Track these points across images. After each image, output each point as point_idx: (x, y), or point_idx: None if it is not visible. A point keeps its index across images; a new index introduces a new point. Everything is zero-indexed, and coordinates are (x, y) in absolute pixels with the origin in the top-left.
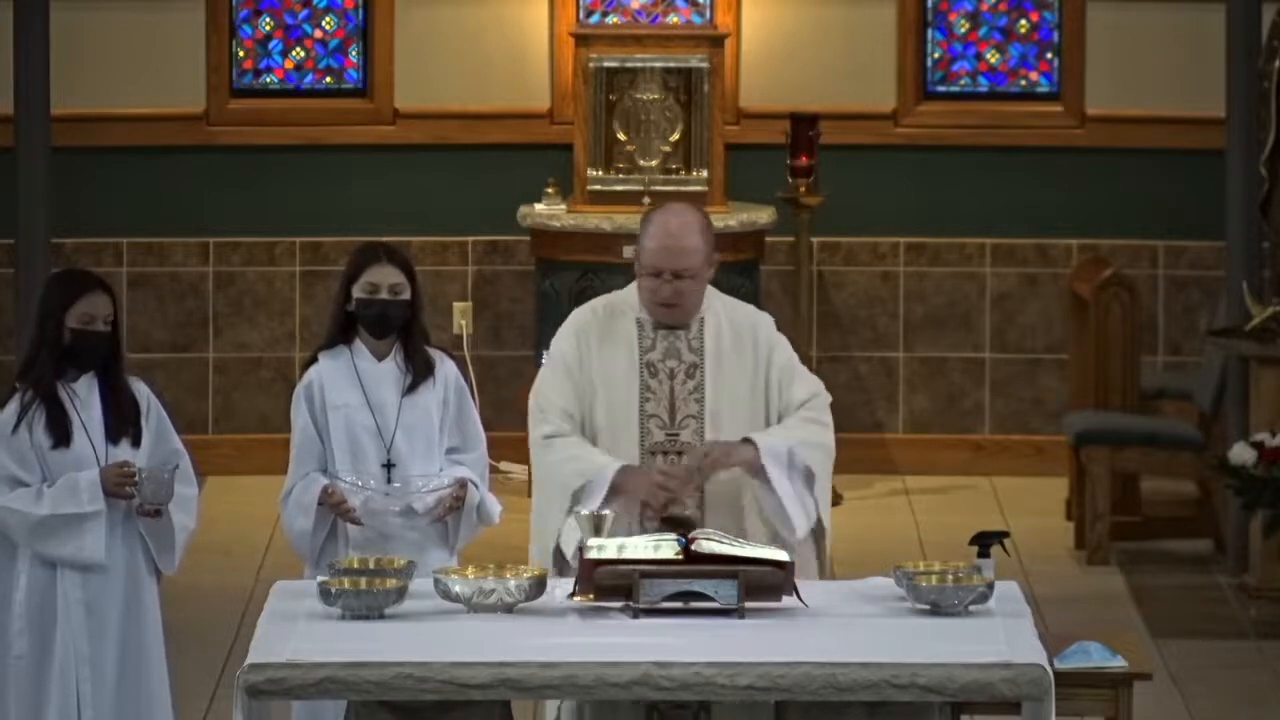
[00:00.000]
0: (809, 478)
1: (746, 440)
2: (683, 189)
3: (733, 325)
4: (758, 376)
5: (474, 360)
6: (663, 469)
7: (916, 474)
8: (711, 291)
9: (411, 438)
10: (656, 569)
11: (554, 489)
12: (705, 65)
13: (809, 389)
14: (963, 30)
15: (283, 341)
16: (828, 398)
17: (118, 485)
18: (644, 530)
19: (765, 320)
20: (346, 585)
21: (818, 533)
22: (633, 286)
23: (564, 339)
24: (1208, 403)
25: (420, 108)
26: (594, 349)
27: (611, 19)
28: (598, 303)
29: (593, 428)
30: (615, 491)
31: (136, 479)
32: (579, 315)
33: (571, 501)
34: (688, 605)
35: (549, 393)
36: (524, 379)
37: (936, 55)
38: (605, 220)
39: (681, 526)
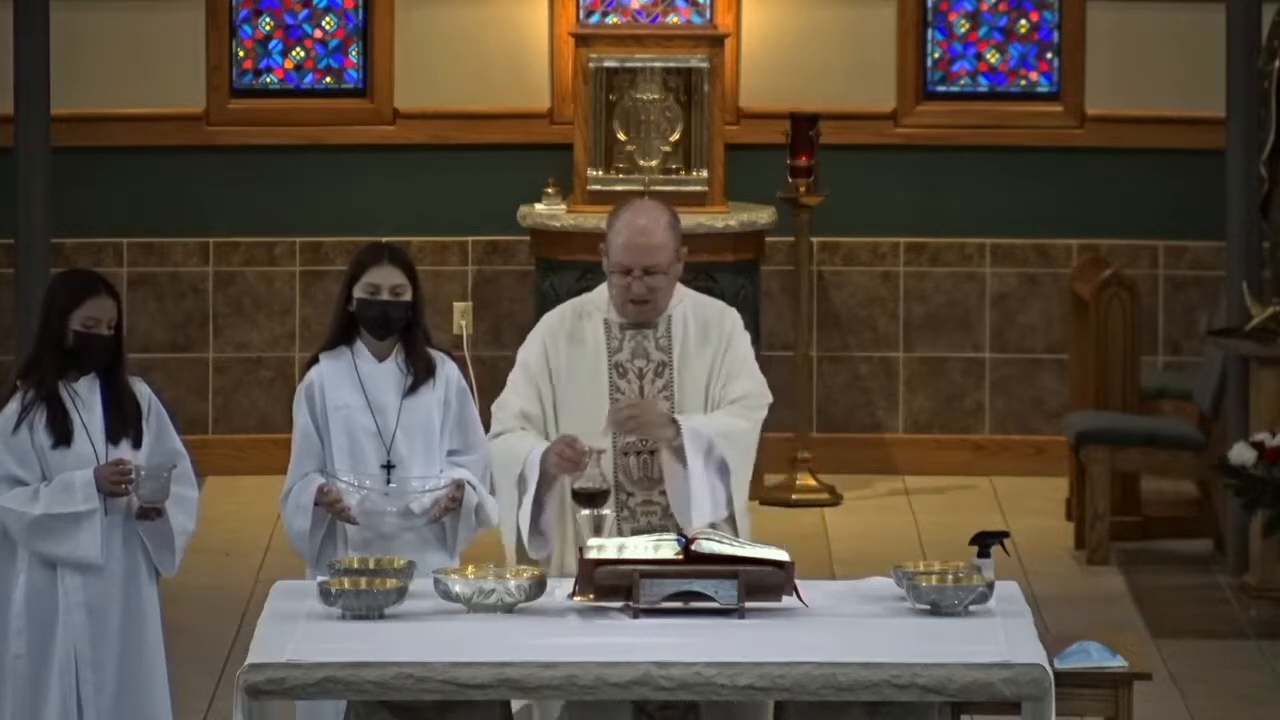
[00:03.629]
0: (723, 470)
1: (673, 420)
2: (683, 189)
3: (699, 321)
4: (714, 368)
5: (474, 360)
6: (561, 442)
7: (916, 474)
8: (679, 289)
9: (411, 439)
10: (656, 569)
11: (504, 481)
12: (705, 65)
13: (746, 387)
14: (963, 30)
15: (283, 341)
16: (765, 398)
17: (113, 483)
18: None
19: (731, 315)
20: (346, 585)
21: (733, 528)
22: (602, 287)
23: (531, 344)
24: (1208, 403)
25: (420, 108)
26: (562, 353)
27: (611, 19)
28: (566, 307)
29: (562, 429)
30: (543, 473)
31: (133, 477)
32: (547, 320)
33: (519, 488)
34: (688, 605)
35: (508, 395)
36: None
37: (936, 55)
38: (605, 220)
39: (593, 499)
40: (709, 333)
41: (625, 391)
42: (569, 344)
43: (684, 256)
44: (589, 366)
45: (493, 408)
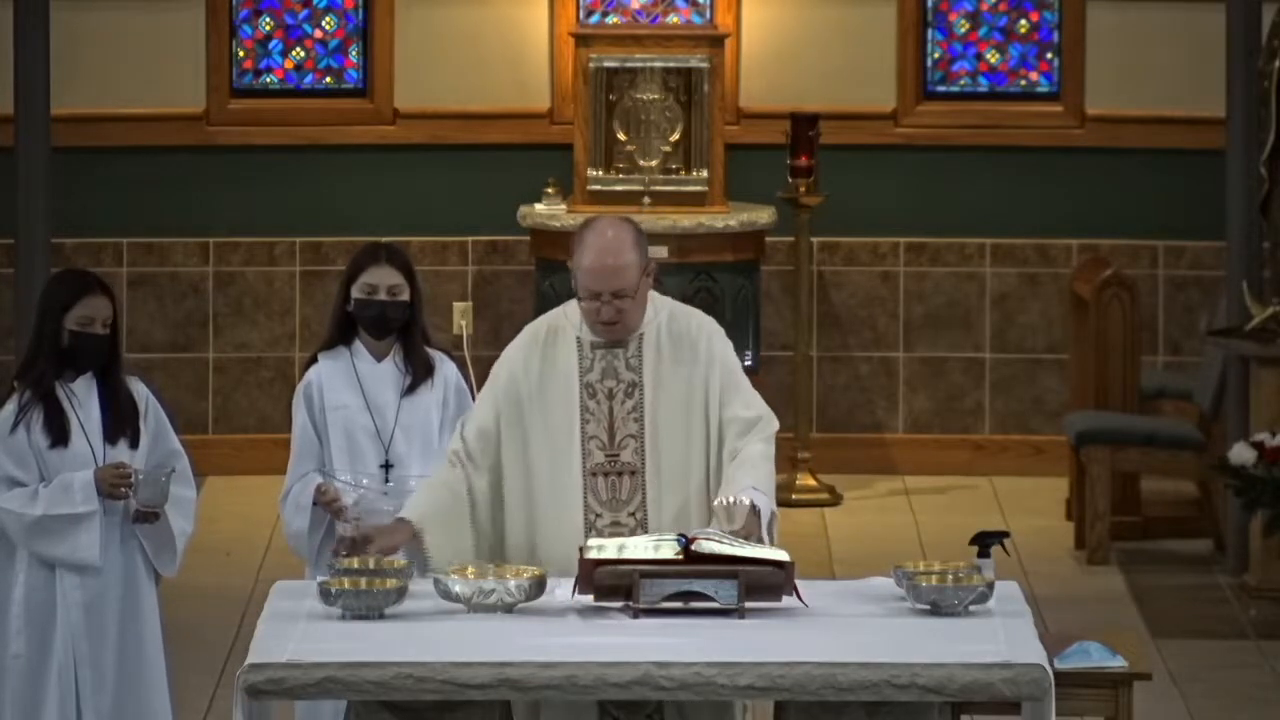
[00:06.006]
0: (773, 517)
1: (753, 506)
2: (683, 189)
3: (673, 336)
4: (694, 389)
5: (474, 360)
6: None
7: (916, 474)
8: (656, 300)
9: (410, 438)
10: (656, 569)
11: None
12: (705, 65)
13: (755, 409)
14: (963, 30)
15: (283, 341)
16: (774, 423)
17: (113, 486)
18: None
19: (709, 329)
20: (346, 585)
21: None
22: (575, 301)
23: (503, 361)
24: (1208, 403)
25: (420, 108)
26: (534, 372)
27: (611, 19)
28: (542, 322)
29: (530, 451)
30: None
31: (132, 480)
32: (524, 335)
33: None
34: (688, 605)
35: (475, 408)
36: None
37: (936, 55)
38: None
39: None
40: (683, 351)
41: (595, 412)
42: (541, 363)
43: (652, 271)
44: (561, 386)
45: (462, 419)
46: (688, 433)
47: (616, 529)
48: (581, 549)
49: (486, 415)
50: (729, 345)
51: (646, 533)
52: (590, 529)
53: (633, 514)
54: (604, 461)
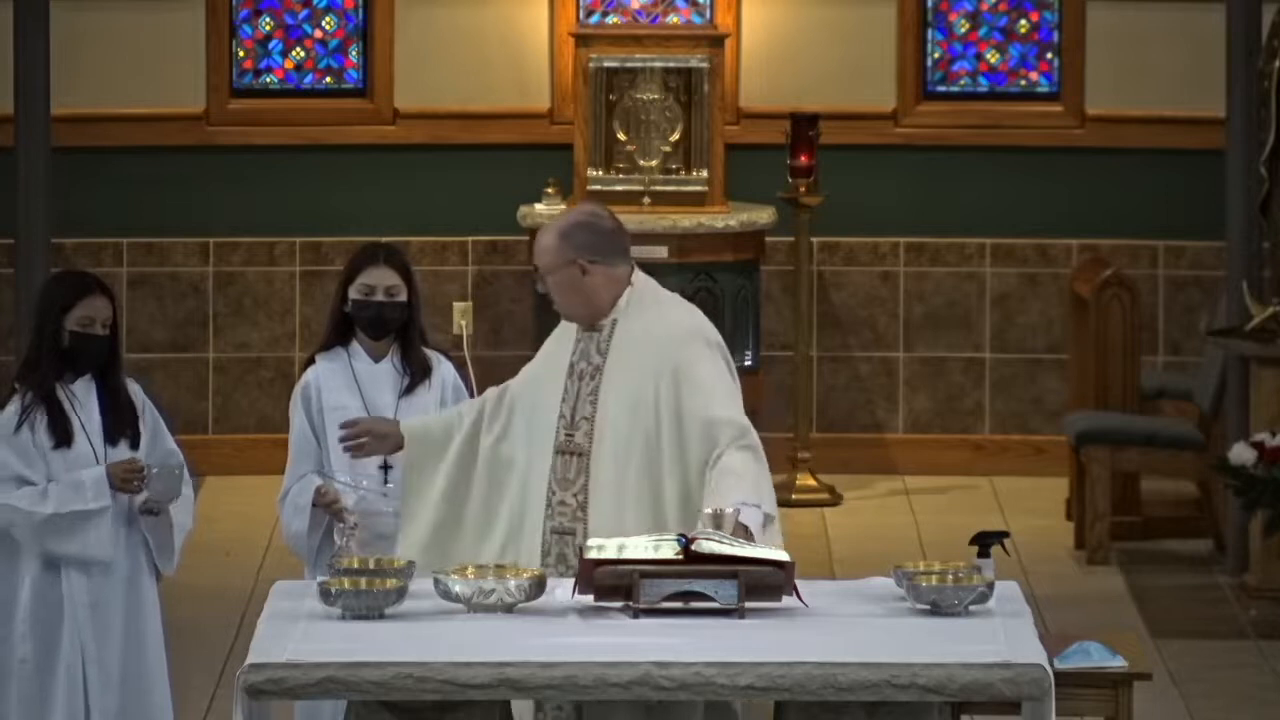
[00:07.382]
0: (768, 520)
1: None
2: (683, 189)
3: (648, 329)
4: (657, 382)
5: (474, 361)
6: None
7: (916, 474)
8: (651, 293)
9: None
10: (656, 569)
11: None
12: (705, 65)
13: (731, 413)
14: (963, 30)
15: (283, 341)
16: (748, 432)
17: (125, 480)
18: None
19: (692, 327)
20: (346, 585)
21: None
22: None
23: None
24: (1208, 403)
25: (420, 108)
26: (553, 349)
27: (611, 19)
28: None
29: (532, 423)
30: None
31: (145, 475)
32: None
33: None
34: (688, 605)
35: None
36: None
37: (936, 55)
38: None
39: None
40: (656, 344)
41: (568, 391)
42: (559, 339)
43: (589, 269)
44: (558, 364)
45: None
46: (631, 424)
47: (563, 507)
48: (582, 548)
49: (517, 383)
50: (714, 351)
51: (585, 514)
52: (548, 504)
53: (575, 495)
54: (564, 440)
